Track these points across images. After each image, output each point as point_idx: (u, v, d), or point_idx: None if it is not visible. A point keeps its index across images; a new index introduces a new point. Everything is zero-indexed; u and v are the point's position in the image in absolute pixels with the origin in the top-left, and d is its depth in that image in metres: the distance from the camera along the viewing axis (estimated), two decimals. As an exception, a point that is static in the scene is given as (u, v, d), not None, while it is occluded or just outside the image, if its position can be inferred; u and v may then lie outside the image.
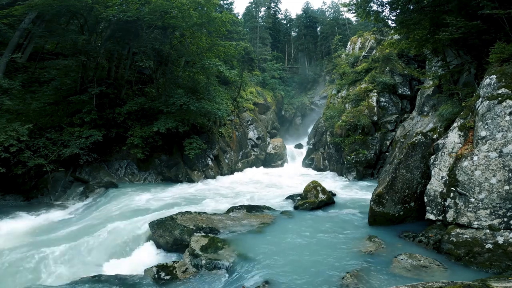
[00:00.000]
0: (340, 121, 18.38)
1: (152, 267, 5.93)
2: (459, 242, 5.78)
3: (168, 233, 7.30)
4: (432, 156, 7.25)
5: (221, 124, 20.37)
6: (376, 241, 6.55)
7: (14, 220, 9.32)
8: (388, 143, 17.10)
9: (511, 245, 5.25)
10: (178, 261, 6.08)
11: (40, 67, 15.53)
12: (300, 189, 12.09)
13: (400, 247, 6.36)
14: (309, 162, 22.99)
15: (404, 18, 10.43)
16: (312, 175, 19.06)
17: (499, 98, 6.17)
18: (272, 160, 24.39)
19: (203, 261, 5.95)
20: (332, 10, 49.01)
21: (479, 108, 6.61)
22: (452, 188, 6.36)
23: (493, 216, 5.68)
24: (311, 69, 43.61)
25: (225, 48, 18.35)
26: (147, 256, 7.07)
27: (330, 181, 16.50)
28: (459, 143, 6.85)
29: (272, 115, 30.18)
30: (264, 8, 46.70)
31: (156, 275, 5.70)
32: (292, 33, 53.03)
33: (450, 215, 6.28)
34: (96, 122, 13.72)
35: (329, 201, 10.39)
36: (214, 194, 12.96)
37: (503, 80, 6.43)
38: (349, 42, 27.95)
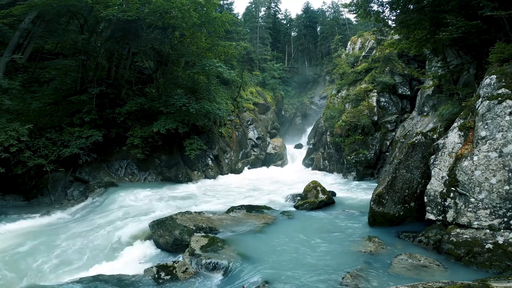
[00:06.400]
0: (340, 121, 18.37)
1: (152, 267, 5.92)
2: (459, 242, 5.77)
3: (168, 233, 7.30)
4: (432, 156, 7.25)
5: (221, 124, 20.36)
6: (376, 241, 6.55)
7: (13, 220, 9.31)
8: (388, 143, 17.10)
9: (511, 245, 5.25)
10: (178, 261, 6.07)
11: (40, 67, 15.52)
12: (300, 189, 12.09)
13: (400, 247, 6.36)
14: (309, 162, 22.99)
15: (404, 18, 10.42)
16: (312, 175, 19.05)
17: (499, 98, 6.17)
18: (272, 160, 24.39)
19: (203, 261, 5.95)
20: (332, 10, 49.04)
21: (479, 108, 6.61)
22: (452, 188, 6.36)
23: (493, 216, 5.68)
24: (311, 69, 43.61)
25: (225, 48, 18.35)
26: (147, 256, 7.08)
27: (330, 181, 16.49)
28: (459, 143, 6.84)
29: (272, 115, 30.16)
30: (264, 8, 46.69)
31: (156, 275, 5.70)
32: (292, 33, 53.04)
33: (450, 215, 6.28)
34: (96, 122, 13.72)
35: (329, 201, 10.39)
36: (214, 194, 12.96)
37: (503, 80, 6.43)
38: (349, 42, 27.94)
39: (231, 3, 39.70)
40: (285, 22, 53.87)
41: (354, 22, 43.55)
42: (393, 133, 17.21)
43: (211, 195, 12.81)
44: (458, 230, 6.00)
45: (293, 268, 5.50)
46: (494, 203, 5.71)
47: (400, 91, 18.59)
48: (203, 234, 7.18)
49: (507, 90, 6.19)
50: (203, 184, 15.51)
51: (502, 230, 5.50)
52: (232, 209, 9.33)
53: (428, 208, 6.76)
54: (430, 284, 3.65)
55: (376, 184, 9.04)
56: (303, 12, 50.64)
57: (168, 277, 5.66)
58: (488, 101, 6.36)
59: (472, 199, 5.97)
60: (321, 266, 5.55)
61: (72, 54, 15.06)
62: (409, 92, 18.49)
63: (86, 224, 9.01)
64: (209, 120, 17.57)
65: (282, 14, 53.14)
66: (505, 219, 5.55)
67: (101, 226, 8.56)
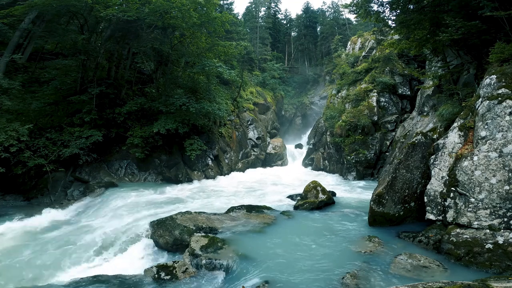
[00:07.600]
0: (340, 121, 18.38)
1: (152, 267, 5.92)
2: (459, 242, 5.77)
3: (168, 233, 7.30)
4: (432, 156, 7.25)
5: (221, 124, 20.36)
6: (376, 241, 6.55)
7: (13, 220, 9.31)
8: (388, 143, 17.10)
9: (511, 245, 5.25)
10: (178, 261, 6.06)
11: (40, 67, 15.53)
12: (300, 189, 12.09)
13: (400, 247, 6.36)
14: (309, 162, 22.99)
15: (404, 18, 10.42)
16: (312, 175, 19.05)
17: (499, 98, 6.16)
18: (272, 160, 24.39)
19: (203, 261, 5.94)
20: (332, 10, 49.08)
21: (479, 108, 6.61)
22: (452, 188, 6.36)
23: (493, 216, 5.67)
24: (311, 69, 43.63)
25: (225, 48, 18.34)
26: (147, 256, 7.08)
27: (330, 181, 16.49)
28: (459, 143, 6.84)
29: (272, 115, 30.16)
30: (264, 8, 46.75)
31: (156, 275, 5.70)
32: (292, 33, 53.08)
33: (450, 215, 6.28)
34: (96, 122, 13.72)
35: (329, 201, 10.39)
36: (214, 194, 12.94)
37: (503, 80, 6.43)
38: (349, 42, 27.98)
39: (231, 3, 39.72)
40: (285, 22, 53.92)
41: (354, 22, 43.57)
42: (393, 133, 17.21)
43: (211, 195, 12.78)
44: (458, 230, 5.99)
45: (293, 268, 5.50)
46: (494, 203, 5.71)
47: (400, 91, 18.60)
48: (203, 234, 7.18)
49: (507, 90, 6.19)
50: (203, 184, 15.49)
51: (502, 230, 5.50)
52: (232, 209, 9.33)
53: (428, 208, 6.75)
54: (430, 284, 3.65)
55: (376, 184, 9.03)
56: (303, 12, 50.71)
57: (168, 277, 5.65)
58: (488, 101, 6.36)
59: (472, 199, 5.97)
60: (321, 266, 5.55)
61: (72, 54, 15.06)
62: (409, 92, 18.49)
63: (85, 224, 9.01)
64: (209, 120, 17.57)
65: (282, 14, 53.24)
66: (505, 219, 5.55)
67: (100, 226, 8.56)
